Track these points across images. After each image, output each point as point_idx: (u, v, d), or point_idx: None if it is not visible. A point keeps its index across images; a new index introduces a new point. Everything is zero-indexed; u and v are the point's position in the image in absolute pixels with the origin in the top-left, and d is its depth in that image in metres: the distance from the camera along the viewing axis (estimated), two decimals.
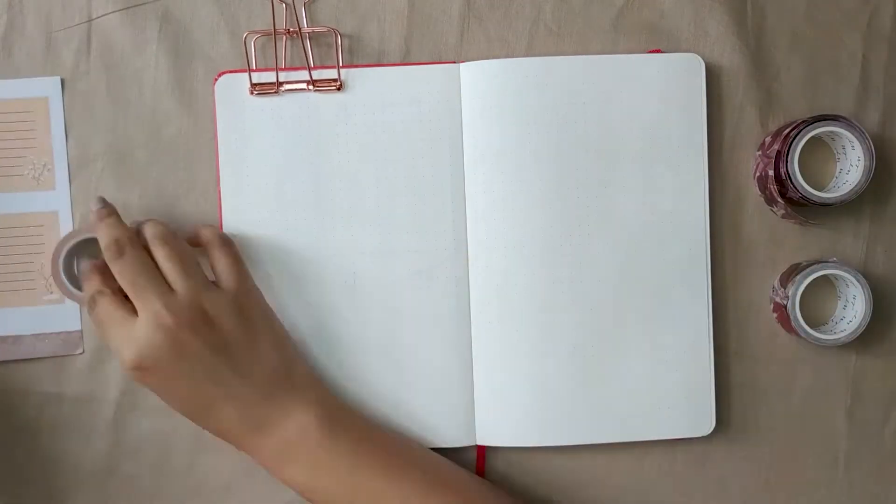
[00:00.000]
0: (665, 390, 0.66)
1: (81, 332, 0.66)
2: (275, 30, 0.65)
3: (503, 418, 0.65)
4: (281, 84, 0.65)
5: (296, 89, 0.65)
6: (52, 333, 0.66)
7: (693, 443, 0.67)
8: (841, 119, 0.63)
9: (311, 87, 0.65)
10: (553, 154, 0.65)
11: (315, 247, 0.65)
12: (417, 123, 0.65)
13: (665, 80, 0.65)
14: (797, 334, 0.64)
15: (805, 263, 0.65)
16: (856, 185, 0.63)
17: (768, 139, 0.65)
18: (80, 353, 0.66)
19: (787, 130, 0.63)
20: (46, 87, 0.66)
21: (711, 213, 0.66)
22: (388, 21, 0.67)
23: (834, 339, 0.64)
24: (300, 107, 0.65)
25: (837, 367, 0.67)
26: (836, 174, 0.66)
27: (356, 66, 0.66)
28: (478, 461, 0.67)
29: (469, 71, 0.65)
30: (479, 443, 0.66)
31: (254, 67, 0.65)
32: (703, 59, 0.66)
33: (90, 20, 0.66)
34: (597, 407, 0.65)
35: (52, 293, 0.66)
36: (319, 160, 0.65)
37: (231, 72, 0.65)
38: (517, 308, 0.65)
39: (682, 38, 0.67)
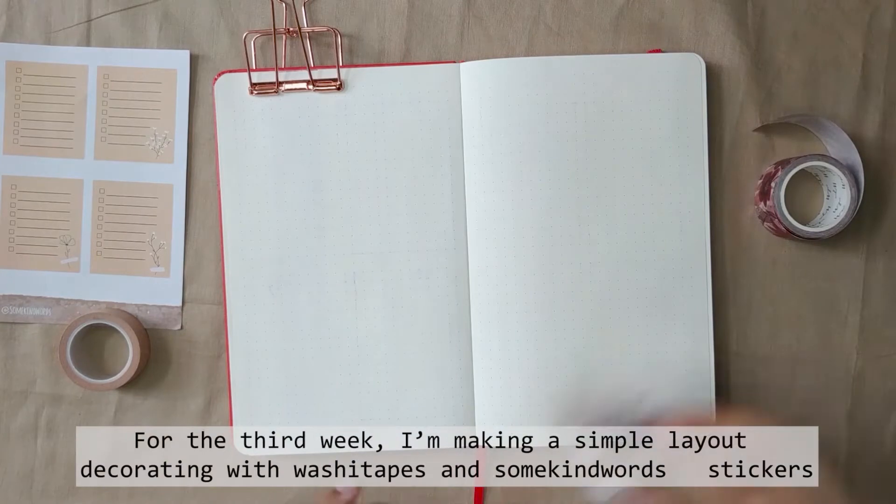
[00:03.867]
0: (665, 390, 0.65)
1: (181, 308, 0.66)
2: (274, 29, 0.65)
3: (503, 417, 0.65)
4: (281, 84, 0.65)
5: (296, 89, 0.65)
6: (153, 306, 0.66)
7: None
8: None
9: (310, 86, 0.65)
10: (553, 154, 0.65)
11: (315, 247, 0.65)
12: (417, 123, 0.65)
13: (665, 80, 0.65)
14: (787, 231, 0.63)
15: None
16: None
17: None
18: (179, 329, 0.67)
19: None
20: (176, 59, 0.66)
21: (712, 212, 0.66)
22: (388, 21, 0.67)
23: (818, 232, 0.63)
24: (300, 107, 0.65)
25: (838, 367, 0.67)
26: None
27: (356, 66, 0.66)
28: (478, 461, 0.67)
29: (469, 71, 0.65)
30: (479, 443, 0.66)
31: (253, 67, 0.65)
32: (703, 58, 0.65)
33: (89, 20, 0.66)
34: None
35: (159, 266, 0.66)
36: (319, 160, 0.65)
37: (230, 71, 0.65)
38: (517, 307, 0.65)
39: (683, 37, 0.67)
